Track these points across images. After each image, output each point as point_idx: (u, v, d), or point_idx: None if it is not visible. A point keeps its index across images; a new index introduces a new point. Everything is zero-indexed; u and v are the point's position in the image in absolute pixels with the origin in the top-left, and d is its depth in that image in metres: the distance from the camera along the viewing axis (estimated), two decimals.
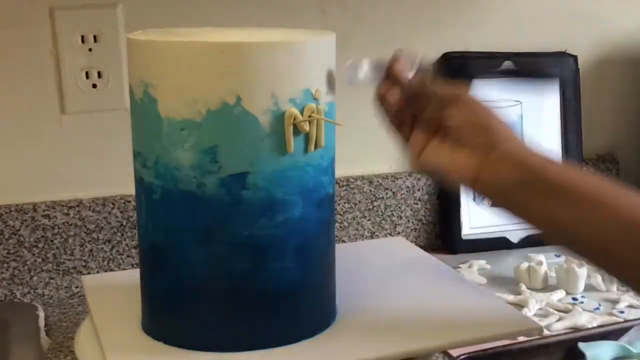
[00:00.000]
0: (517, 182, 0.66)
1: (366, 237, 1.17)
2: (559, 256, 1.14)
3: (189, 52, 0.66)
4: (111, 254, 1.06)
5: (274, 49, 0.66)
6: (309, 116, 0.67)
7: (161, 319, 0.73)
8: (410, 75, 0.73)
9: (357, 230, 1.16)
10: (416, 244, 1.19)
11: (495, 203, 0.70)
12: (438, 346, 0.73)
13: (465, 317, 0.76)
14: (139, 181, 0.71)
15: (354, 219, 1.16)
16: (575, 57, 1.22)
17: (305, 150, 0.69)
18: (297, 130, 0.67)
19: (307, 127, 0.68)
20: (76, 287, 1.05)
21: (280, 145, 0.67)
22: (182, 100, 0.66)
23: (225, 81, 0.65)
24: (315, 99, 0.68)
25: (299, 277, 0.71)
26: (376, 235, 1.18)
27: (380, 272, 0.86)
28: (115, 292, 0.82)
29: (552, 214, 0.64)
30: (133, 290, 0.77)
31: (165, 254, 0.71)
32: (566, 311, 0.98)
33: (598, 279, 1.05)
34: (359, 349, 0.70)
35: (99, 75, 1.04)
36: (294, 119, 0.67)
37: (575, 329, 0.95)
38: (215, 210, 0.68)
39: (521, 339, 0.86)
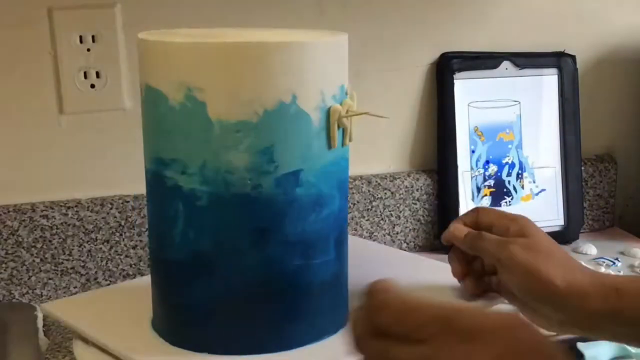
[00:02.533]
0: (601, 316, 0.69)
1: (365, 237, 1.17)
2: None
3: (241, 53, 0.65)
4: (110, 254, 1.06)
5: (320, 47, 0.68)
6: (347, 111, 0.69)
7: (200, 328, 0.71)
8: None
9: (356, 230, 1.16)
10: (415, 244, 1.20)
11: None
12: None
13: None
14: (172, 189, 0.69)
15: (352, 219, 1.16)
16: (573, 57, 1.22)
17: (342, 144, 0.71)
18: (337, 126, 0.69)
19: (347, 123, 0.70)
20: (75, 288, 1.05)
21: (327, 141, 0.69)
22: (236, 102, 0.66)
23: (282, 80, 0.66)
24: (347, 94, 0.71)
25: (338, 268, 0.73)
26: (375, 236, 1.18)
27: (375, 269, 0.86)
28: (97, 311, 0.79)
29: None
30: (111, 303, 0.78)
31: (212, 262, 0.69)
32: None
33: None
34: None
35: (97, 75, 1.04)
36: (339, 115, 0.69)
37: None
38: (271, 210, 0.68)
39: None
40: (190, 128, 0.67)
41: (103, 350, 0.73)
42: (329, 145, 0.69)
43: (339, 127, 0.69)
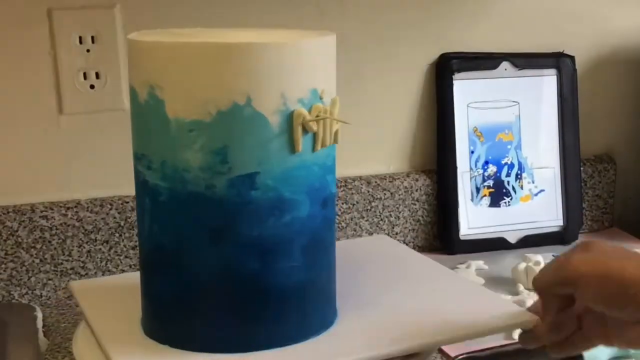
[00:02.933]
0: None
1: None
2: (557, 256, 1.14)
3: (199, 53, 0.66)
4: (109, 255, 1.06)
5: (283, 49, 0.66)
6: (317, 116, 0.68)
7: (166, 321, 0.72)
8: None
9: (355, 230, 1.17)
10: (414, 245, 1.20)
11: None
12: (437, 342, 0.73)
13: (462, 312, 0.76)
14: (143, 184, 0.71)
15: (351, 220, 1.16)
16: (572, 58, 1.22)
17: (313, 149, 0.69)
18: (304, 130, 0.68)
19: (315, 127, 0.68)
20: None
21: (289, 145, 0.67)
22: (191, 102, 0.66)
23: (236, 82, 0.65)
24: (321, 98, 0.69)
25: (306, 275, 0.71)
26: None
27: (370, 271, 0.86)
28: (108, 296, 0.81)
29: None
30: (127, 293, 0.77)
31: (172, 256, 0.70)
32: None
33: None
34: (364, 347, 0.71)
35: (97, 76, 1.04)
36: (303, 119, 0.67)
37: None
38: (224, 211, 0.67)
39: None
40: (152, 125, 0.69)
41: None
42: (292, 150, 0.67)
43: (306, 131, 0.68)
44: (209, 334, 0.70)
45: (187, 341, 0.70)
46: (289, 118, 0.67)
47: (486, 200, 1.20)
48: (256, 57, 0.65)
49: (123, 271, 1.07)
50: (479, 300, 0.80)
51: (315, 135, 0.68)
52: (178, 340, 0.71)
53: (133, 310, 0.76)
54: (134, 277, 0.79)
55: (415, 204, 1.19)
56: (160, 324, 0.73)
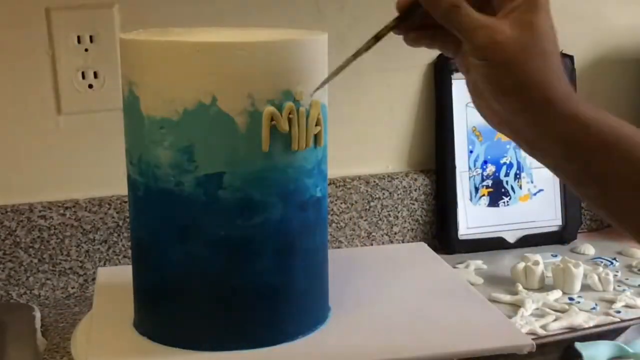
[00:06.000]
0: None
1: (363, 238, 1.17)
2: (556, 256, 1.14)
3: (166, 51, 0.66)
4: (107, 255, 1.06)
5: (251, 49, 0.66)
6: (289, 116, 0.67)
7: (146, 315, 0.74)
8: None
9: (354, 230, 1.16)
10: None
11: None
12: (421, 356, 0.73)
13: (458, 328, 0.76)
14: (128, 178, 0.73)
15: (350, 220, 1.16)
16: (571, 57, 1.22)
17: (286, 151, 0.68)
18: (277, 132, 0.67)
19: (286, 127, 0.67)
20: (72, 288, 1.05)
21: (259, 147, 0.67)
22: (160, 99, 0.67)
23: (201, 81, 0.66)
24: (297, 100, 0.67)
25: (278, 278, 0.71)
26: (373, 236, 1.18)
27: (385, 278, 0.86)
28: (121, 287, 0.82)
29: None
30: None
31: (148, 251, 0.72)
32: (563, 311, 0.98)
33: (595, 278, 1.05)
34: (337, 355, 0.71)
35: (95, 75, 1.04)
36: (272, 119, 0.66)
37: (572, 329, 0.95)
38: (191, 209, 0.68)
39: None
40: (131, 121, 0.71)
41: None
42: (262, 150, 0.67)
43: (279, 133, 0.67)
44: (181, 331, 0.71)
45: (163, 336, 0.72)
46: (258, 119, 0.66)
47: (485, 200, 1.20)
48: (220, 56, 0.65)
49: None
50: (483, 320, 0.79)
51: (289, 137, 0.67)
52: (156, 335, 0.72)
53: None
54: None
55: (414, 204, 1.19)
56: (142, 317, 0.74)
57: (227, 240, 0.68)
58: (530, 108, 0.58)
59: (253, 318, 0.71)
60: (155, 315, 0.73)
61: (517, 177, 1.21)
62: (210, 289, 0.70)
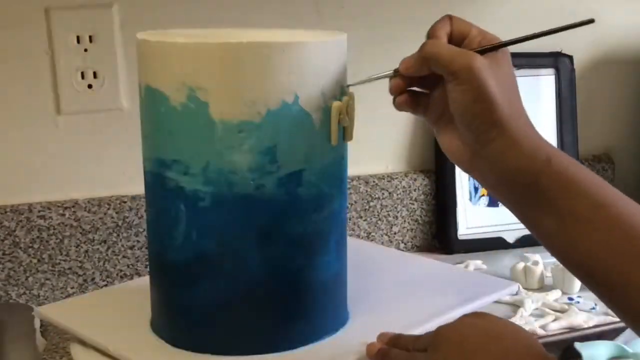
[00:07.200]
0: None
1: (362, 238, 1.17)
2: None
3: (247, 53, 0.65)
4: (107, 255, 1.06)
5: (322, 47, 0.68)
6: (347, 109, 0.70)
7: (204, 329, 0.71)
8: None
9: (354, 230, 1.16)
10: (412, 245, 1.20)
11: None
12: None
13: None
14: (174, 190, 0.68)
15: (350, 220, 1.16)
16: (571, 57, 1.22)
17: (342, 144, 0.71)
18: (338, 124, 0.70)
19: (347, 121, 0.70)
20: (72, 288, 1.05)
21: (328, 141, 0.69)
22: (239, 102, 0.66)
23: (284, 80, 0.66)
24: (345, 94, 0.71)
25: (338, 268, 0.73)
26: (372, 236, 1.18)
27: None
28: (92, 314, 0.79)
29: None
30: (109, 307, 0.78)
31: (216, 263, 0.69)
32: (562, 311, 0.98)
33: None
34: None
35: (95, 75, 1.04)
36: (340, 113, 0.69)
37: (572, 329, 0.95)
38: (273, 210, 0.68)
39: None
40: (193, 129, 0.67)
41: (102, 353, 0.72)
42: (330, 144, 0.69)
43: (340, 125, 0.70)
44: (252, 337, 0.70)
45: (227, 346, 0.70)
46: (327, 113, 0.69)
47: (484, 200, 1.20)
48: (300, 55, 0.66)
49: (121, 271, 1.07)
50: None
51: (345, 128, 0.71)
52: (217, 347, 0.70)
53: (135, 319, 0.76)
54: (99, 295, 0.81)
55: (413, 204, 1.19)
56: (194, 332, 0.71)
57: (303, 236, 0.69)
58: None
59: (321, 309, 0.72)
60: (217, 327, 0.70)
61: None
62: (287, 288, 0.70)
